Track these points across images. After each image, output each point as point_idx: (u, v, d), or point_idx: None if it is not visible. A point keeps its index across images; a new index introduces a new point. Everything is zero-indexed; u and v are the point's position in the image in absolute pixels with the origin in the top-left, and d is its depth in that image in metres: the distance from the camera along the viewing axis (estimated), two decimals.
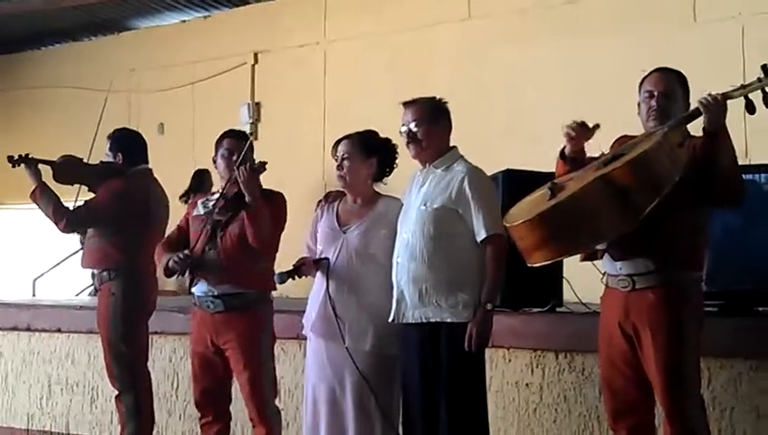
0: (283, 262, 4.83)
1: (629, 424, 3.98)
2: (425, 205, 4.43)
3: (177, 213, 5.31)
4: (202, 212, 5.00)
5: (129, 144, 5.92)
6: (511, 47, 9.06)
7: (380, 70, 9.91)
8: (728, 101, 3.75)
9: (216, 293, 4.86)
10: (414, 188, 4.56)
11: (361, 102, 9.47)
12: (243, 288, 4.88)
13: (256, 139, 10.42)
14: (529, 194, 4.08)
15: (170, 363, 6.62)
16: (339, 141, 4.81)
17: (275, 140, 10.07)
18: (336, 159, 4.77)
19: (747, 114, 3.75)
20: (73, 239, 6.15)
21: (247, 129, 10.51)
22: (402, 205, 4.62)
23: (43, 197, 5.71)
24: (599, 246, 3.96)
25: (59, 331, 7.18)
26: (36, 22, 11.86)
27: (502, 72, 9.11)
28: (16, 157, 5.74)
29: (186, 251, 4.85)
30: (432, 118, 4.52)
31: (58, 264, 10.79)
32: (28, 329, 7.34)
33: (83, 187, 6.03)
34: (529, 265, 3.89)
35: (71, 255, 9.63)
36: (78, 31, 12.31)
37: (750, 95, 3.75)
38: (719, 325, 4.52)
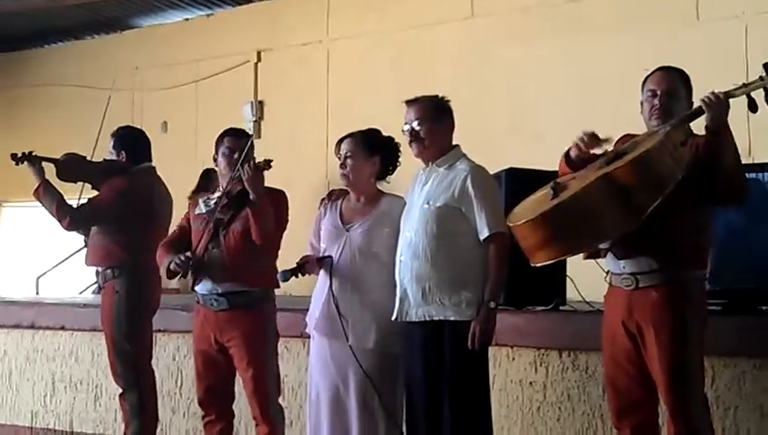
0: (286, 260, 4.83)
1: (633, 423, 3.98)
2: (428, 203, 4.43)
3: (181, 211, 5.32)
4: (204, 211, 5.00)
5: (132, 142, 5.93)
6: (514, 46, 9.07)
7: (384, 68, 9.91)
8: (731, 100, 3.75)
9: (220, 291, 4.87)
10: (417, 187, 4.56)
11: (364, 101, 9.47)
12: (247, 286, 4.88)
13: (259, 137, 10.52)
14: (532, 193, 4.08)
15: (174, 361, 6.62)
16: (342, 140, 4.81)
17: (278, 139, 10.09)
18: (339, 158, 4.76)
19: (750, 113, 3.76)
20: (77, 237, 6.14)
21: (251, 127, 10.56)
22: (405, 203, 4.62)
23: (47, 194, 5.72)
24: (602, 245, 3.96)
25: (63, 328, 7.19)
26: (39, 20, 11.87)
27: (505, 70, 9.11)
28: (20, 154, 5.76)
29: (187, 253, 4.86)
30: (435, 116, 4.52)
31: (62, 262, 10.80)
32: (32, 327, 7.35)
33: (87, 184, 6.04)
34: (532, 264, 3.90)
35: (74, 252, 9.62)
36: (81, 29, 12.32)
37: (752, 94, 3.76)
38: (722, 324, 4.53)
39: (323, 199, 4.96)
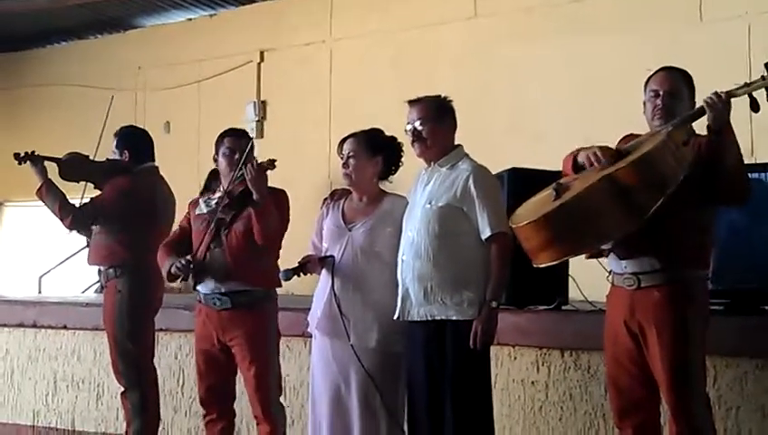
0: (288, 259, 4.83)
1: (635, 422, 3.98)
2: (430, 203, 4.44)
3: (184, 211, 5.32)
4: (204, 211, 5.00)
5: (135, 142, 5.93)
6: (516, 46, 9.05)
7: (387, 68, 9.90)
8: (734, 100, 3.75)
9: (222, 290, 4.87)
10: (419, 187, 4.57)
11: (367, 100, 9.47)
12: (249, 286, 4.88)
13: (262, 137, 10.53)
14: (534, 193, 4.08)
15: (176, 360, 6.63)
16: (344, 139, 4.81)
17: (281, 138, 10.09)
18: (342, 158, 4.77)
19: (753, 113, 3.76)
20: (79, 236, 6.14)
21: (253, 126, 10.57)
22: (407, 203, 4.62)
23: (50, 194, 5.73)
24: (604, 246, 3.96)
25: (65, 328, 7.19)
26: (42, 20, 11.86)
27: (507, 70, 9.10)
28: (23, 154, 5.77)
29: (188, 257, 4.87)
30: (437, 116, 4.52)
31: (64, 261, 10.77)
32: (34, 326, 7.35)
33: (90, 184, 6.04)
34: (535, 265, 3.90)
35: (77, 252, 9.61)
36: (84, 29, 12.30)
37: (754, 93, 3.76)
38: (725, 324, 4.53)
39: (326, 199, 4.96)
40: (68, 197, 5.79)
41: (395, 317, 4.47)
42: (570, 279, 5.46)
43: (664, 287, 3.85)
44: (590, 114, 7.93)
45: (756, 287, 4.92)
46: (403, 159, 4.82)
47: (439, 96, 4.60)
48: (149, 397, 5.75)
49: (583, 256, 4.04)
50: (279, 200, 4.92)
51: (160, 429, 5.93)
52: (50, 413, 7.24)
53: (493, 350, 4.53)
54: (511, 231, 4.05)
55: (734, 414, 4.66)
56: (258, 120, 10.82)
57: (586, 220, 3.76)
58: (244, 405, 5.11)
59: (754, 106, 3.76)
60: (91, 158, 5.98)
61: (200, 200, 5.10)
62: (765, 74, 3.71)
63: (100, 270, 5.85)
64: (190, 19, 11.63)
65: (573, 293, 5.51)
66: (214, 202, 4.98)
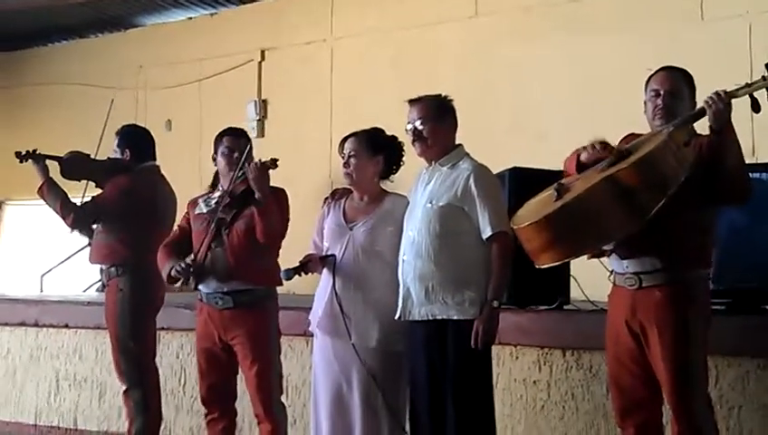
0: (289, 259, 4.83)
1: (637, 422, 3.98)
2: (430, 202, 4.44)
3: (185, 209, 5.32)
4: (204, 210, 5.00)
5: (137, 140, 5.93)
6: (516, 45, 9.05)
7: (387, 67, 9.90)
8: (734, 100, 3.75)
9: (225, 289, 4.87)
10: (420, 186, 4.57)
11: (368, 99, 9.46)
12: (251, 285, 4.89)
13: (263, 135, 10.53)
14: (535, 192, 4.08)
15: (178, 359, 6.64)
16: (346, 139, 4.81)
17: (282, 137, 10.09)
18: (343, 157, 4.77)
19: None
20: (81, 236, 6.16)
21: (254, 125, 10.57)
22: (408, 202, 4.63)
23: (51, 192, 5.74)
24: (606, 247, 3.96)
25: (67, 326, 7.20)
26: (43, 18, 11.86)
27: (507, 69, 9.09)
28: (24, 152, 5.77)
29: (187, 260, 4.87)
30: (438, 116, 4.52)
31: (66, 259, 10.79)
32: (36, 325, 7.36)
33: (91, 183, 6.05)
34: (537, 266, 3.90)
35: (78, 250, 9.63)
36: (85, 28, 12.30)
37: (755, 94, 3.76)
38: (726, 323, 4.53)
39: (327, 198, 4.96)
40: (69, 195, 5.79)
41: (396, 317, 4.47)
42: (571, 279, 5.45)
43: (665, 287, 3.85)
44: (591, 114, 7.92)
45: (757, 287, 4.93)
46: (404, 159, 4.82)
47: (440, 95, 4.60)
48: (151, 396, 5.75)
49: (585, 256, 4.03)
50: (279, 199, 4.92)
51: (162, 428, 5.94)
52: (52, 412, 7.25)
53: (494, 349, 4.53)
54: (512, 230, 4.05)
55: (735, 414, 4.66)
56: (259, 119, 10.81)
57: (587, 221, 3.76)
58: (245, 404, 5.11)
59: (755, 106, 3.76)
60: (92, 156, 5.99)
61: (199, 200, 5.09)
62: (766, 74, 3.71)
63: (101, 269, 5.86)
64: (191, 18, 11.63)
65: (575, 292, 5.51)
66: (214, 201, 4.97)
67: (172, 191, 5.98)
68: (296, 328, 5.50)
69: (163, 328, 6.16)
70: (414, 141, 4.52)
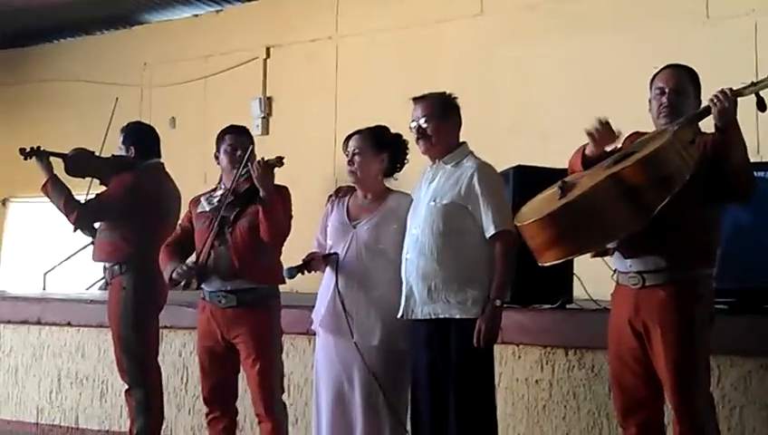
0: (292, 257, 4.82)
1: (639, 421, 3.97)
2: (434, 201, 4.43)
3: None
4: (207, 209, 4.99)
5: (141, 138, 5.93)
6: (519, 44, 9.04)
7: (392, 65, 9.89)
8: (740, 99, 3.74)
9: (228, 288, 4.86)
10: (423, 184, 4.56)
11: (373, 97, 9.46)
12: (255, 283, 4.88)
13: (267, 133, 10.53)
14: (539, 191, 4.07)
15: (180, 358, 6.63)
16: (350, 136, 4.81)
17: (286, 135, 10.09)
18: (347, 155, 4.76)
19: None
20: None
21: (259, 123, 10.57)
22: (412, 200, 4.61)
23: (55, 189, 5.73)
24: (609, 245, 3.95)
25: (69, 324, 7.20)
26: (48, 15, 11.87)
27: (510, 68, 9.09)
28: (28, 149, 5.77)
29: (188, 262, 4.86)
30: (442, 114, 4.51)
31: (69, 257, 10.80)
32: (38, 323, 7.36)
33: (95, 180, 6.04)
34: (540, 264, 3.88)
35: (82, 248, 9.63)
36: (90, 25, 12.31)
37: (761, 93, 3.74)
38: (729, 323, 4.51)
39: (330, 196, 4.96)
40: (73, 192, 5.79)
41: (399, 316, 4.47)
42: (574, 278, 5.44)
43: (669, 286, 3.84)
44: (593, 113, 7.87)
45: (761, 286, 4.91)
46: (408, 157, 4.81)
47: (444, 93, 4.59)
48: (153, 394, 5.74)
49: (588, 254, 4.02)
50: (282, 197, 4.91)
51: (164, 426, 5.93)
52: (54, 410, 7.24)
53: (497, 348, 4.52)
54: (515, 229, 4.04)
55: (738, 413, 4.66)
56: (264, 117, 10.82)
57: (591, 219, 3.75)
58: (246, 403, 5.10)
59: (761, 105, 3.74)
60: (97, 153, 5.98)
61: (202, 198, 5.08)
62: None
63: (104, 267, 5.85)
64: (196, 15, 11.63)
65: (578, 291, 5.50)
66: (216, 200, 4.96)
67: (176, 188, 5.97)
68: (299, 326, 5.49)
69: (165, 326, 6.15)
70: (418, 139, 4.51)
